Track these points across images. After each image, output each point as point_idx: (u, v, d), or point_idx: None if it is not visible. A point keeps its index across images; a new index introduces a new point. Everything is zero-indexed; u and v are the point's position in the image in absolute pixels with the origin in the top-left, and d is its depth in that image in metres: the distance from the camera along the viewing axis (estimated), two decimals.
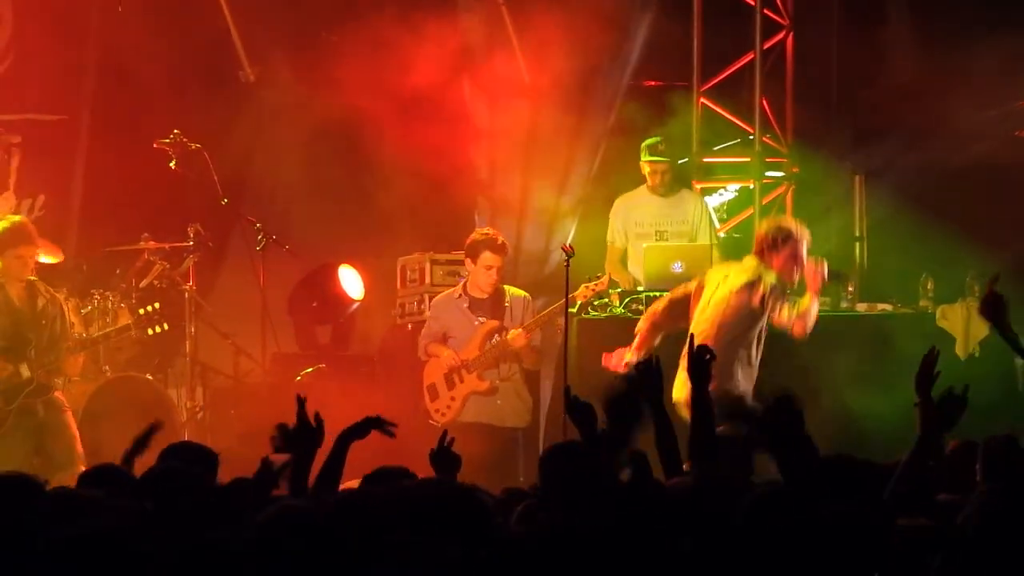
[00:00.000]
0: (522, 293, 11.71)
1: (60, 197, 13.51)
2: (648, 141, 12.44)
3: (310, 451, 6.44)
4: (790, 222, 10.77)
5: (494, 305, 11.57)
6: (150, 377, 12.18)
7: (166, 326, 11.71)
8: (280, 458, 6.29)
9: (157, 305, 11.68)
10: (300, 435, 6.46)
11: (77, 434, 10.94)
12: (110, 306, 12.21)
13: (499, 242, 11.48)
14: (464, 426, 11.28)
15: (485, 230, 11.70)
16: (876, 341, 11.73)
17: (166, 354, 12.42)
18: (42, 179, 13.55)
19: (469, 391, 11.53)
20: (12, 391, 10.90)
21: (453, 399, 11.55)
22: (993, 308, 6.76)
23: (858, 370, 11.40)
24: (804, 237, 10.50)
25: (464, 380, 11.53)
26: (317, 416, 6.51)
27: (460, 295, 11.62)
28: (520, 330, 11.39)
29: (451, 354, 11.52)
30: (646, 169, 12.41)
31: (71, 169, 13.70)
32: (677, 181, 12.59)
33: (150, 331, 11.65)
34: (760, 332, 10.47)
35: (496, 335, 11.51)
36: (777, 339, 10.67)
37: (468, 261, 11.56)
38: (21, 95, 13.63)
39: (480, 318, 11.56)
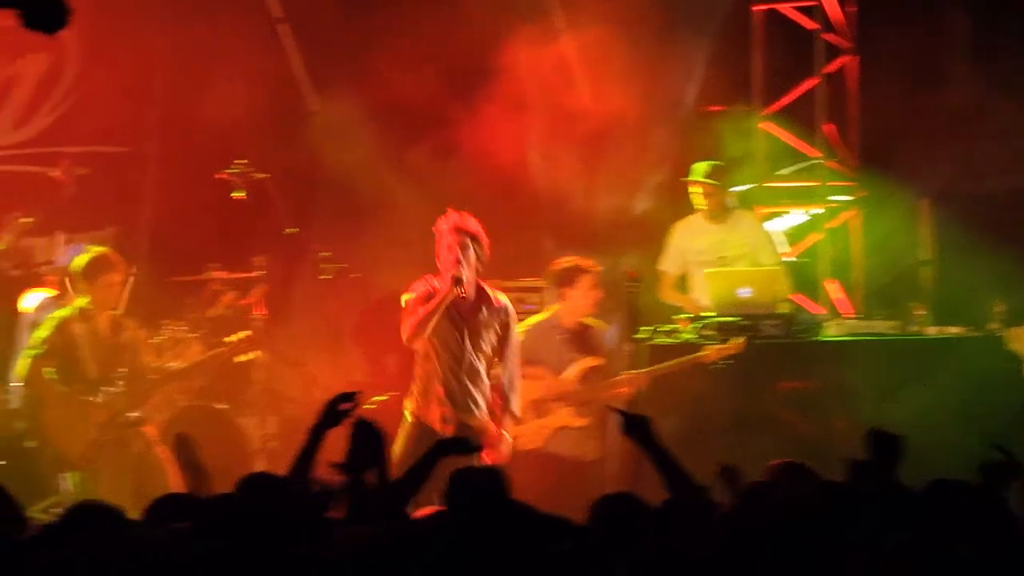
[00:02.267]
0: (603, 324, 11.53)
1: (128, 229, 13.57)
2: (698, 164, 12.29)
3: (369, 464, 6.58)
4: None
5: (584, 338, 11.37)
6: (223, 406, 12.21)
7: (258, 353, 11.83)
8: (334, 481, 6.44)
9: (248, 332, 11.81)
10: (359, 452, 6.62)
11: (173, 468, 10.88)
12: (180, 336, 12.25)
13: (589, 263, 11.37)
14: (547, 457, 11.19)
15: (568, 258, 11.49)
16: (946, 364, 11.68)
17: (237, 382, 12.42)
18: (109, 211, 13.64)
19: (562, 424, 11.30)
20: (107, 422, 10.98)
21: (543, 427, 11.32)
22: None
23: (928, 394, 11.34)
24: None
25: (556, 412, 11.31)
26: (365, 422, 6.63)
27: (555, 326, 11.35)
28: (636, 374, 11.21)
29: (552, 382, 11.26)
30: (698, 189, 12.23)
31: (138, 200, 13.78)
32: (728, 205, 12.45)
33: (242, 357, 11.76)
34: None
35: (595, 372, 11.32)
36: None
37: (564, 290, 11.31)
38: (87, 127, 13.72)
39: (574, 353, 11.31)
